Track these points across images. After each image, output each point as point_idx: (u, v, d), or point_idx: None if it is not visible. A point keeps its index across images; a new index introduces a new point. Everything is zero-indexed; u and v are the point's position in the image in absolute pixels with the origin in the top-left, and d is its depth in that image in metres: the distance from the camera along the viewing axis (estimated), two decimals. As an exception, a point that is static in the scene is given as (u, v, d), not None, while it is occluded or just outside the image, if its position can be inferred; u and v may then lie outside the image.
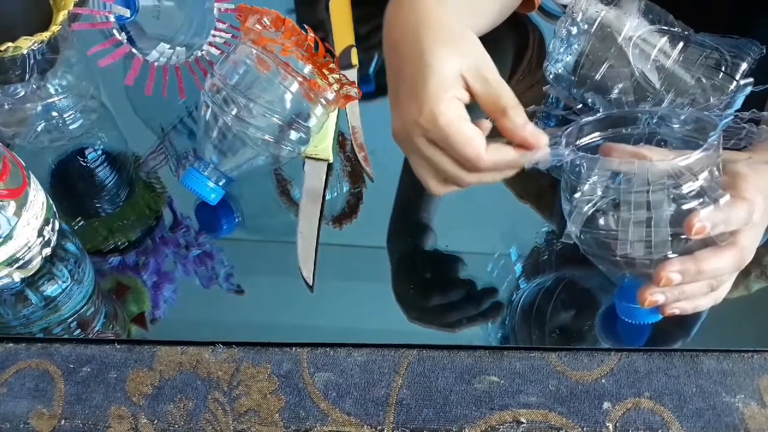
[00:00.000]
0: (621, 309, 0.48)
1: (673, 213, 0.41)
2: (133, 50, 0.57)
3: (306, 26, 0.52)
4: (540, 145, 0.43)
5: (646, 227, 0.42)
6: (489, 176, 0.45)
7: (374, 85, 0.66)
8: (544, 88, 0.54)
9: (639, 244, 0.42)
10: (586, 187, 0.42)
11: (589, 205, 0.43)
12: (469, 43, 0.44)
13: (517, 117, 0.43)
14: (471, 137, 0.42)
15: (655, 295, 0.43)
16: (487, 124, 0.45)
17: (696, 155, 0.40)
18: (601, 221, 0.43)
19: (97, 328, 0.50)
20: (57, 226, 0.51)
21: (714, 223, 0.40)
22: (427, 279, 0.53)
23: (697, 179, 0.41)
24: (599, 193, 0.42)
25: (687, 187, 0.41)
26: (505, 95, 0.43)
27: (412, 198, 0.58)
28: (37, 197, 0.48)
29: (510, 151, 0.43)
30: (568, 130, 0.45)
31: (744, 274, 0.51)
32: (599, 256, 0.45)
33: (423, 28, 0.44)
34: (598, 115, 0.46)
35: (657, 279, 0.42)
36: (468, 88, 0.44)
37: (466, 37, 0.44)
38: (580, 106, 0.50)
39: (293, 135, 0.52)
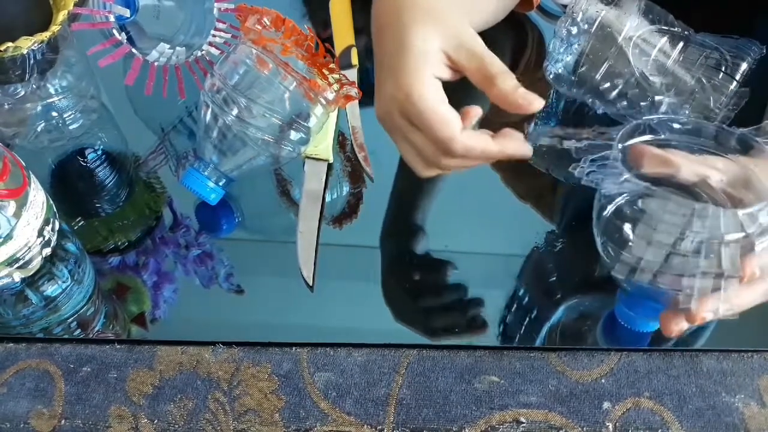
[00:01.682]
0: (621, 315, 0.48)
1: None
2: (133, 50, 0.57)
3: (308, 27, 0.52)
4: (533, 107, 0.42)
5: (714, 278, 0.39)
6: (466, 161, 0.45)
7: None
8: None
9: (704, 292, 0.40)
10: (659, 233, 0.39)
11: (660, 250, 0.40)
12: (450, 21, 0.43)
13: (506, 82, 0.42)
14: (445, 117, 0.41)
15: (680, 325, 0.42)
16: (477, 110, 0.44)
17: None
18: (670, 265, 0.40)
19: (97, 328, 0.50)
20: (57, 226, 0.51)
21: (762, 267, 0.40)
22: (427, 279, 0.53)
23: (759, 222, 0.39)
24: (672, 238, 0.39)
25: (759, 242, 0.39)
26: (492, 63, 0.42)
27: (410, 197, 0.58)
28: (37, 197, 0.48)
29: (486, 139, 0.43)
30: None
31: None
32: (644, 290, 0.43)
33: (404, 9, 0.43)
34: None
35: (691, 318, 0.41)
36: (452, 64, 0.43)
37: (448, 16, 0.44)
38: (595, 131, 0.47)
39: (293, 135, 0.52)
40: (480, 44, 0.43)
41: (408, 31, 0.42)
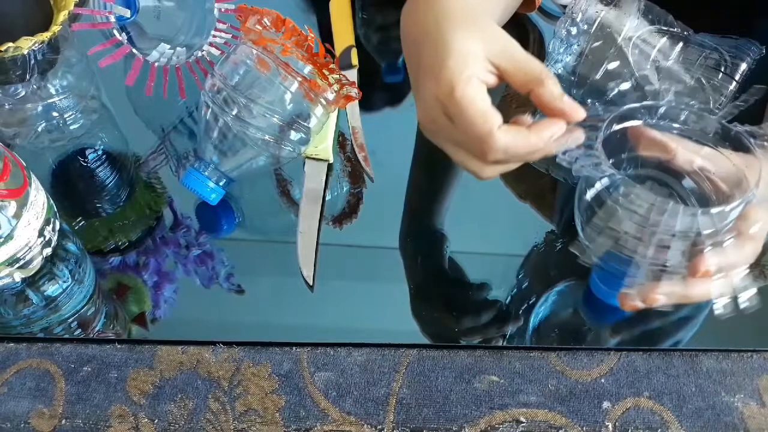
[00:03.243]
0: (594, 287, 0.49)
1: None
2: (134, 50, 0.57)
3: (308, 27, 0.52)
4: (577, 117, 0.41)
5: (661, 269, 0.42)
6: (501, 167, 0.43)
7: (403, 75, 0.66)
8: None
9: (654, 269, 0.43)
10: (618, 221, 0.42)
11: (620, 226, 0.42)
12: (489, 26, 0.43)
13: (554, 87, 0.41)
14: (484, 113, 0.40)
15: (633, 303, 0.44)
16: (527, 120, 0.43)
17: (738, 206, 0.40)
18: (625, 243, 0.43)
19: (97, 328, 0.50)
20: (58, 226, 0.51)
21: (719, 266, 0.41)
22: (426, 279, 0.53)
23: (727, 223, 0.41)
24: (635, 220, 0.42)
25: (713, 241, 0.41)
26: (539, 67, 0.42)
27: (409, 197, 0.58)
28: (38, 197, 0.48)
29: (527, 135, 0.41)
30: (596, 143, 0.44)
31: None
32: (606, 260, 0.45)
33: (441, 16, 0.43)
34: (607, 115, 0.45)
35: (649, 300, 0.43)
36: (495, 70, 0.42)
37: (485, 20, 0.43)
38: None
39: (293, 135, 0.52)
40: (520, 49, 0.43)
41: (450, 38, 0.42)
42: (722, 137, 0.44)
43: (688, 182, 0.46)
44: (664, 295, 0.43)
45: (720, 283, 0.42)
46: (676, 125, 0.46)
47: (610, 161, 0.42)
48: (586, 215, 0.45)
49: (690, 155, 0.45)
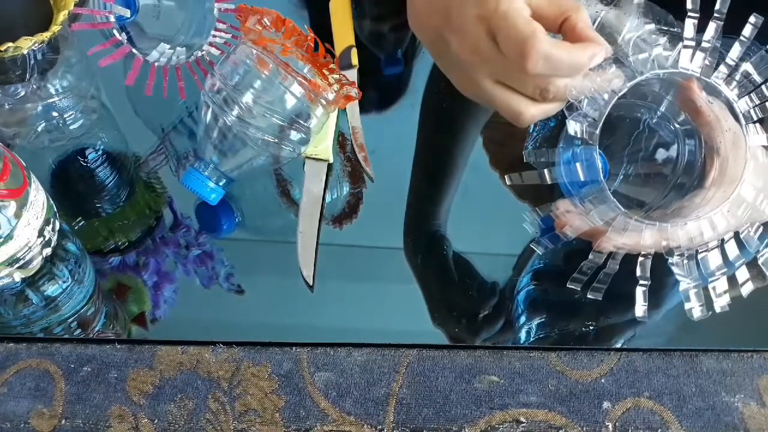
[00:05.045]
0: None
1: None
2: (134, 50, 0.57)
3: (307, 27, 0.52)
4: (607, 51, 0.41)
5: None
6: (543, 107, 0.43)
7: (402, 66, 0.66)
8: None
9: None
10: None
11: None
12: None
13: (583, 14, 0.41)
14: (530, 20, 0.39)
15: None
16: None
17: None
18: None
19: (97, 328, 0.50)
20: (57, 226, 0.51)
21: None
22: (426, 279, 0.53)
23: None
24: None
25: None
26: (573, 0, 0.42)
27: (410, 197, 0.58)
28: (38, 197, 0.48)
29: (570, 47, 0.40)
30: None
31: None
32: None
33: None
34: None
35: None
36: (530, 3, 0.41)
37: None
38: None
39: (293, 135, 0.52)
40: None
41: None
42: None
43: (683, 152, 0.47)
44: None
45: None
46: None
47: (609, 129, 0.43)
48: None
49: (717, 131, 0.45)
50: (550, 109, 0.43)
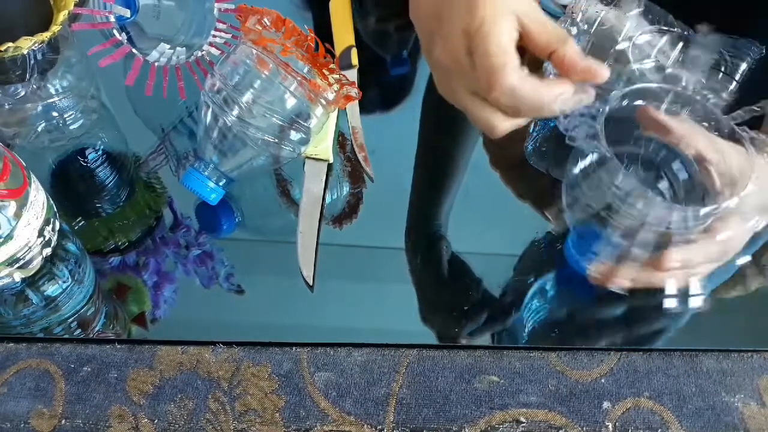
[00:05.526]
0: (568, 252, 0.51)
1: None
2: (134, 50, 0.57)
3: (307, 27, 0.52)
4: (603, 76, 0.41)
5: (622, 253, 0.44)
6: (513, 121, 0.43)
7: (408, 66, 0.66)
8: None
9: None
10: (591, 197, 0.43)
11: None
12: None
13: (573, 48, 0.41)
14: (506, 49, 0.40)
15: (599, 279, 0.46)
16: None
17: (714, 211, 0.41)
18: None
19: (97, 328, 0.50)
20: (57, 226, 0.51)
21: (683, 262, 0.43)
22: (426, 279, 0.53)
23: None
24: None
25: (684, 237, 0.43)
26: (561, 29, 0.42)
27: (410, 197, 0.58)
28: (38, 197, 0.48)
29: (538, 84, 0.41)
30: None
31: (743, 275, 0.51)
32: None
33: None
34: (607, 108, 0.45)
35: (611, 281, 0.45)
36: (521, 29, 0.42)
37: None
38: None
39: (293, 135, 0.52)
40: (542, 14, 0.42)
41: None
42: (728, 136, 0.45)
43: (680, 170, 0.47)
44: (625, 279, 0.45)
45: (680, 277, 0.44)
46: (686, 113, 0.46)
47: (608, 139, 0.42)
48: (571, 184, 0.46)
49: (694, 139, 0.45)
50: (523, 122, 0.44)
